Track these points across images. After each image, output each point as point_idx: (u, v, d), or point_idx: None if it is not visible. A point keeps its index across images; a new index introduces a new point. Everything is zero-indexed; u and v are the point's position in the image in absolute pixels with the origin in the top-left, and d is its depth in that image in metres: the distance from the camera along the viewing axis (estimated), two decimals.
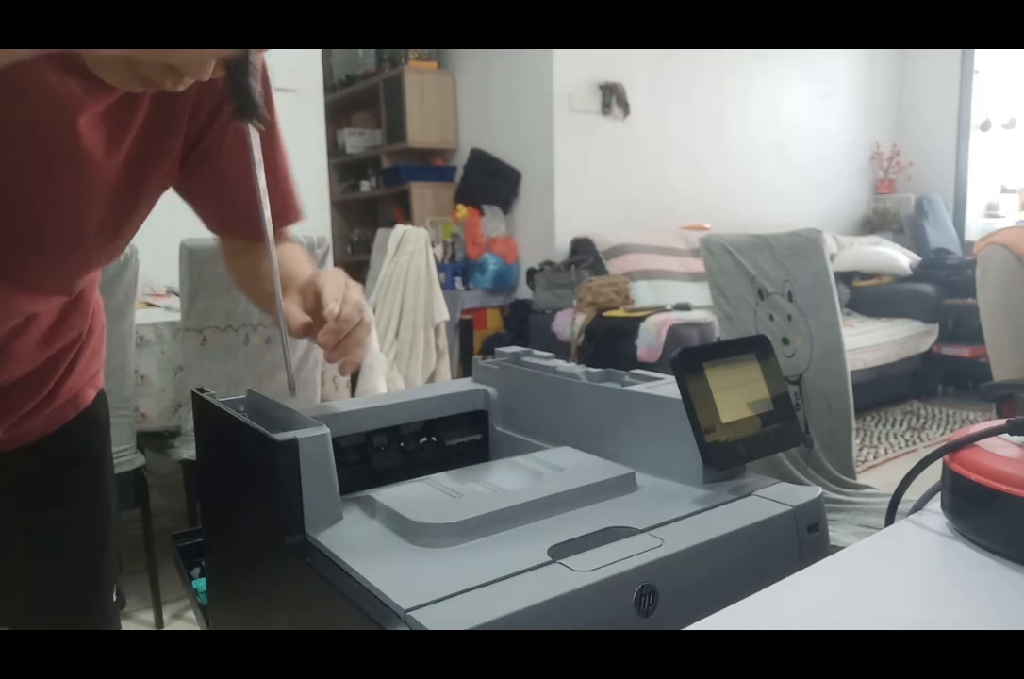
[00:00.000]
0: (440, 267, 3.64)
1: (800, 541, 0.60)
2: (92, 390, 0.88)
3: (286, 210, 0.81)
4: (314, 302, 0.69)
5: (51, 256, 0.69)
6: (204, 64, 0.52)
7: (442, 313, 2.83)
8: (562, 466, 0.66)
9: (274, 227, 0.69)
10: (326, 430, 0.58)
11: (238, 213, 0.79)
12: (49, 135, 0.61)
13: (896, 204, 5.07)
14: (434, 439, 0.82)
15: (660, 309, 3.17)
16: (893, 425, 3.63)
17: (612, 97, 3.80)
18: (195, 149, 0.74)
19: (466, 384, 0.87)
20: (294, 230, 0.87)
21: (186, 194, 0.80)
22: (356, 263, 4.37)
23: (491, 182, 4.04)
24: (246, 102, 0.58)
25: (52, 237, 0.67)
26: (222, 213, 0.82)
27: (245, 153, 0.62)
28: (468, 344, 3.61)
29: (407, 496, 0.61)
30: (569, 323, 3.31)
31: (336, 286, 0.69)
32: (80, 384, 0.85)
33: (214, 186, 0.78)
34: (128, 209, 0.72)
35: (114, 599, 0.92)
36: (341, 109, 4.96)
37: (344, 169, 5.07)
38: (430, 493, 0.62)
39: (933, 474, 0.57)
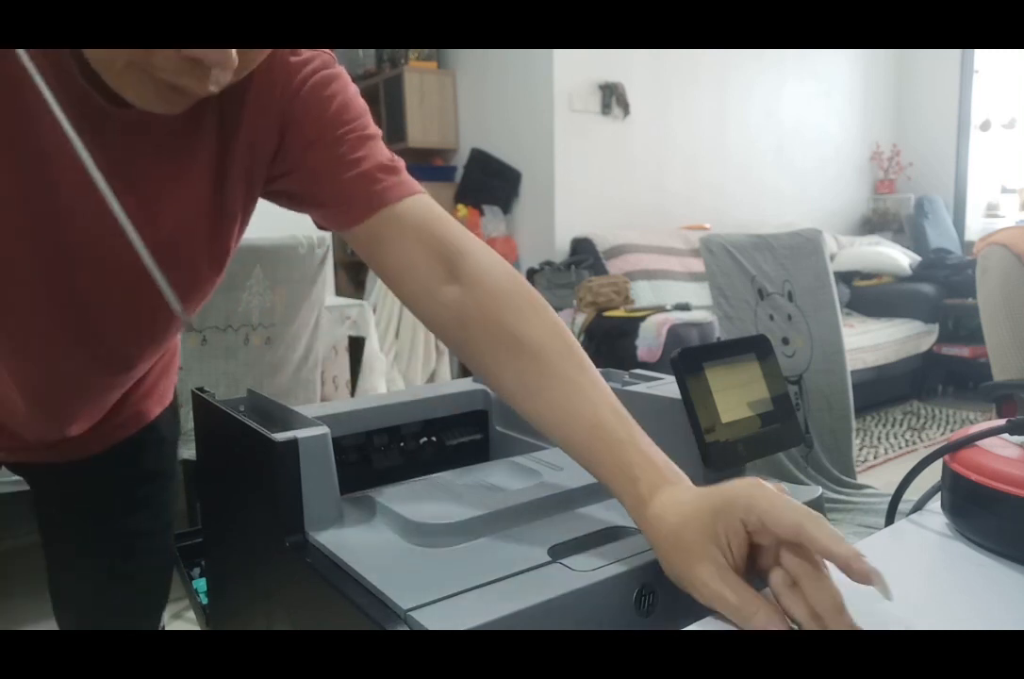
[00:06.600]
0: None
1: None
2: (158, 407, 0.87)
3: (394, 186, 0.65)
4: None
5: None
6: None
7: None
8: (562, 466, 0.66)
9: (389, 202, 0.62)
10: (326, 430, 0.58)
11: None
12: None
13: (896, 204, 5.07)
14: (434, 439, 0.82)
15: (660, 309, 3.17)
16: (893, 425, 3.63)
17: (612, 97, 3.80)
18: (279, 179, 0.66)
19: (466, 384, 0.86)
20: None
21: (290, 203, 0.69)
22: (356, 263, 4.37)
23: (491, 182, 4.04)
24: None
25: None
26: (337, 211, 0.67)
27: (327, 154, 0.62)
28: None
29: (407, 496, 0.61)
30: (569, 323, 3.31)
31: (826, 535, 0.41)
32: (145, 401, 0.84)
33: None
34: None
35: (162, 621, 0.92)
36: None
37: None
38: (430, 493, 0.62)
39: (933, 474, 0.57)
